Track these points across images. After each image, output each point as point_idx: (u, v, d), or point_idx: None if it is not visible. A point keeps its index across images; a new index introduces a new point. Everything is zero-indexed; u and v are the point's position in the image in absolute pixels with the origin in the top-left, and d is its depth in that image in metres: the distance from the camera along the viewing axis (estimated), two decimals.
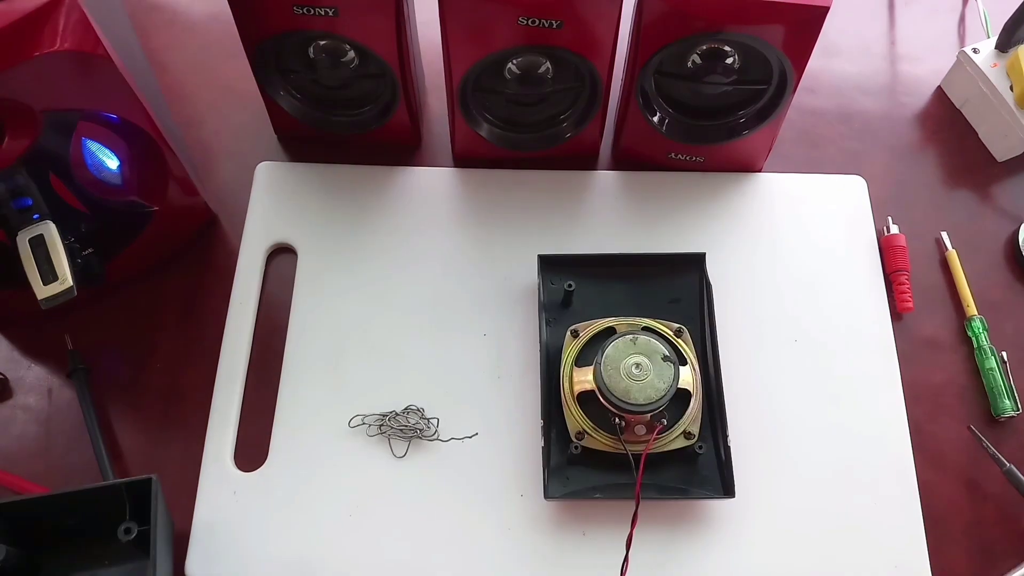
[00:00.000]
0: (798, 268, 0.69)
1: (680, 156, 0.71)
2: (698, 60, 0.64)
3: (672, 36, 0.60)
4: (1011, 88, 0.72)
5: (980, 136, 0.76)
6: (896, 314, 0.68)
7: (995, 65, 0.73)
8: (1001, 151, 0.75)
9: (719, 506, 0.60)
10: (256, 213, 0.70)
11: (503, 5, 0.58)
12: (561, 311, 0.65)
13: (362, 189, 0.71)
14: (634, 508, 0.56)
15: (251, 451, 0.62)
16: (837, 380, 0.65)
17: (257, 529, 0.60)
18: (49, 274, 0.56)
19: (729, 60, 0.63)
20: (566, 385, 0.60)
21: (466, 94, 0.66)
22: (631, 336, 0.58)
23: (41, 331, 0.66)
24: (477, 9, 0.58)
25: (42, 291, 0.56)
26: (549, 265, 0.66)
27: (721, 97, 0.67)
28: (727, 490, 0.59)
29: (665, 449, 0.59)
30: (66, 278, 0.56)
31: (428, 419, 0.63)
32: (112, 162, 0.63)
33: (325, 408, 0.63)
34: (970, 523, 0.62)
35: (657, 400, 0.56)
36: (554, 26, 0.59)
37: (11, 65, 0.49)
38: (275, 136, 0.74)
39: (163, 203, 0.65)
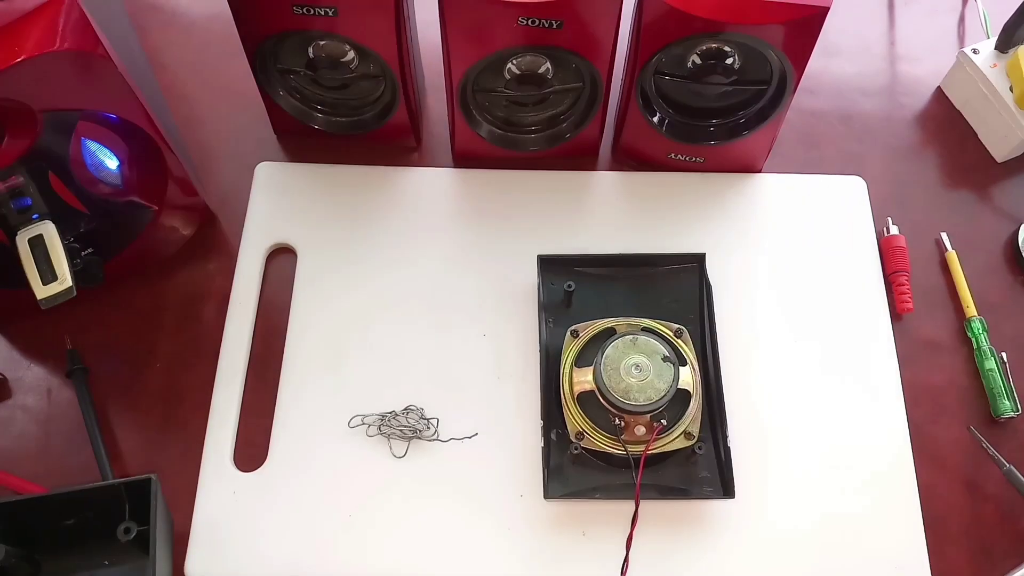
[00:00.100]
0: (798, 269, 0.69)
1: (680, 156, 0.71)
2: (698, 60, 0.64)
3: (672, 36, 0.60)
4: (1011, 89, 0.72)
5: (980, 137, 0.76)
6: (896, 315, 0.68)
7: (995, 66, 0.73)
8: (1001, 152, 0.75)
9: (719, 506, 0.60)
10: (256, 213, 0.70)
11: (503, 5, 0.58)
12: (561, 311, 0.65)
13: (362, 189, 0.71)
14: (634, 508, 0.56)
15: (251, 451, 0.62)
16: (837, 381, 0.65)
17: (257, 529, 0.60)
18: (48, 274, 0.56)
19: (729, 60, 0.63)
20: (566, 385, 0.60)
21: (466, 94, 0.66)
22: (631, 336, 0.58)
23: (40, 331, 0.66)
24: (477, 9, 0.58)
25: (41, 291, 0.56)
26: (549, 265, 0.66)
27: (721, 97, 0.67)
28: (727, 490, 0.59)
29: (665, 449, 0.59)
30: (65, 278, 0.56)
31: (428, 419, 0.63)
32: (112, 162, 0.63)
33: (325, 408, 0.63)
34: (970, 523, 0.62)
35: (657, 400, 0.56)
36: (554, 26, 0.59)
37: (11, 64, 0.49)
38: (275, 136, 0.74)
39: (163, 203, 0.65)
